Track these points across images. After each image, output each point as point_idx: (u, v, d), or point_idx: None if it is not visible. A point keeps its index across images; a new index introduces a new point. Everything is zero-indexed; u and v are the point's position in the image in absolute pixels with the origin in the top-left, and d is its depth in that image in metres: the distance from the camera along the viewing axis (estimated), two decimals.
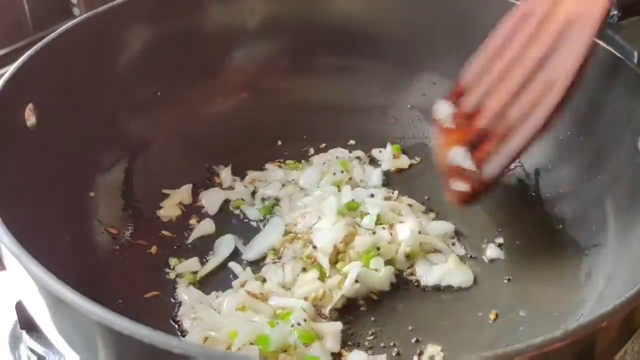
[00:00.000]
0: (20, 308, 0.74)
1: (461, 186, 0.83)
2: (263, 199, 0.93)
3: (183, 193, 0.93)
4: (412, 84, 1.05)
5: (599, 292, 0.77)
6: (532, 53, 0.79)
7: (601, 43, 0.86)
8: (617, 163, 0.84)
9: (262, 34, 1.03)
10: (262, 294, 0.79)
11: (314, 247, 0.83)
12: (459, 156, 0.82)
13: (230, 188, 0.95)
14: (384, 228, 0.86)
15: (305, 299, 0.79)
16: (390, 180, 0.98)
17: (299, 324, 0.74)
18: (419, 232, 0.86)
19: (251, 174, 0.97)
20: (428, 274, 0.84)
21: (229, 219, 0.91)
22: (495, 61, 0.82)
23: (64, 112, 0.84)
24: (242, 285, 0.81)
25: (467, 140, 0.83)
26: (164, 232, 0.89)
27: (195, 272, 0.84)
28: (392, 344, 0.77)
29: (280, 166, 0.98)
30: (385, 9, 1.03)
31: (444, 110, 0.87)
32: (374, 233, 0.85)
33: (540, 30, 0.79)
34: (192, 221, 0.90)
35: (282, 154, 1.00)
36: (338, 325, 0.77)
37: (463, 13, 0.98)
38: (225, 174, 0.96)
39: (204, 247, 0.87)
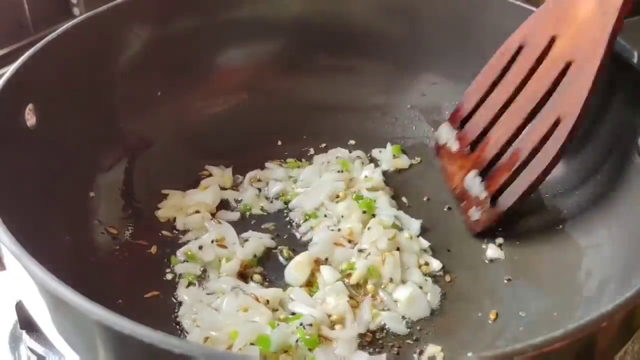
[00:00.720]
0: (20, 308, 0.74)
1: (475, 214, 0.87)
2: (267, 198, 0.94)
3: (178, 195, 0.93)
4: (412, 84, 1.05)
5: (599, 292, 0.77)
6: (534, 88, 0.82)
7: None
8: (617, 163, 0.84)
9: (263, 34, 1.03)
10: (268, 300, 0.78)
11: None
12: (474, 184, 0.86)
13: (233, 188, 0.95)
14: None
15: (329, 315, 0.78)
16: (390, 180, 0.98)
17: (303, 326, 0.74)
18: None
19: (251, 173, 0.96)
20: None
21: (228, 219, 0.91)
22: (497, 89, 0.85)
23: (64, 112, 0.84)
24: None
25: (478, 168, 0.87)
26: (164, 232, 0.89)
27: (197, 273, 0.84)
28: (391, 344, 0.77)
29: (281, 165, 0.98)
30: (385, 9, 1.04)
31: (446, 134, 0.92)
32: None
33: (541, 65, 0.82)
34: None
35: (282, 154, 1.00)
36: (353, 332, 0.76)
37: (463, 13, 0.99)
38: (227, 174, 0.96)
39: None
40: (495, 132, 0.86)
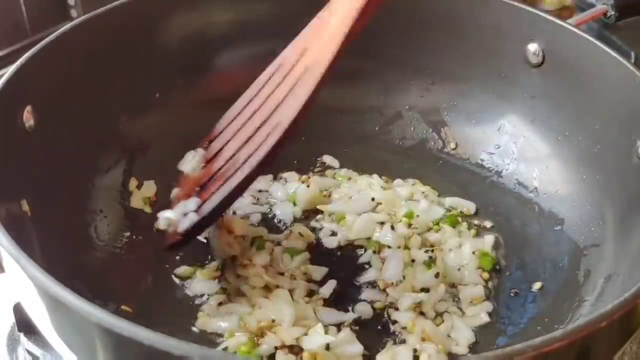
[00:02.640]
0: (18, 310, 0.74)
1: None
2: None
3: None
4: (410, 85, 1.05)
5: (598, 292, 0.77)
6: (272, 100, 0.79)
7: (599, 43, 0.87)
8: (616, 163, 0.84)
9: (262, 35, 1.03)
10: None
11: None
12: (189, 206, 0.79)
13: None
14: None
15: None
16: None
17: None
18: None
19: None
20: None
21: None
22: (246, 108, 0.82)
23: (63, 114, 0.84)
24: None
25: (199, 184, 0.81)
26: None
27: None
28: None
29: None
30: (382, 10, 1.03)
31: (189, 161, 0.83)
32: None
33: (285, 79, 0.80)
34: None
35: (281, 154, 1.00)
36: (359, 348, 0.75)
37: (461, 13, 0.99)
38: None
39: (204, 247, 0.87)
40: (226, 148, 0.81)
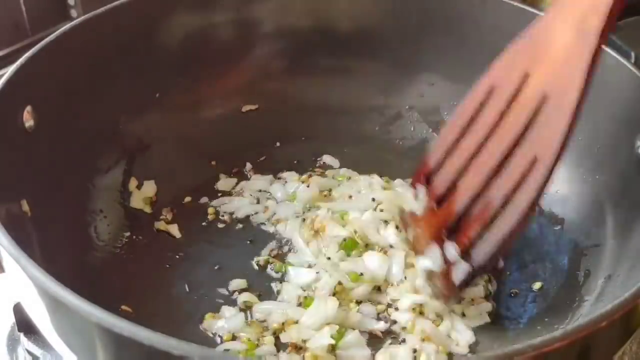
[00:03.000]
0: (18, 310, 0.74)
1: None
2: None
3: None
4: (410, 85, 1.05)
5: (598, 292, 0.77)
6: (507, 130, 0.73)
7: None
8: (616, 163, 0.84)
9: (261, 36, 1.03)
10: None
11: None
12: (451, 253, 0.74)
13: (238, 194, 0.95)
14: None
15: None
16: None
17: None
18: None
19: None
20: None
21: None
22: (465, 137, 0.76)
23: (63, 115, 0.84)
24: None
25: (446, 224, 0.76)
26: (164, 232, 0.89)
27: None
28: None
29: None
30: (383, 10, 1.04)
31: (416, 199, 0.79)
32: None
33: (513, 106, 0.73)
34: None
35: (281, 156, 1.00)
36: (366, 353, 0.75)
37: (461, 13, 0.99)
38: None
39: (202, 247, 0.88)
40: (464, 182, 0.75)
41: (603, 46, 0.68)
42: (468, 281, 0.74)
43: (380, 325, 0.78)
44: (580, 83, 0.69)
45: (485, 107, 0.75)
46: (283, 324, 0.77)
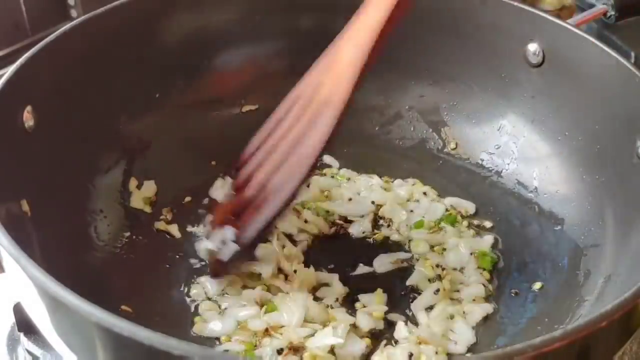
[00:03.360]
0: (18, 310, 0.74)
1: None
2: None
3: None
4: (409, 85, 1.05)
5: (598, 292, 0.77)
6: (295, 131, 0.83)
7: (599, 43, 0.87)
8: (616, 163, 0.84)
9: (261, 36, 1.03)
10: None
11: None
12: (225, 235, 0.82)
13: None
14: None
15: None
16: None
17: None
18: None
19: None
20: None
21: None
22: (269, 137, 0.86)
23: (63, 115, 0.84)
24: None
25: (232, 212, 0.84)
26: (164, 232, 0.89)
27: None
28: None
29: None
30: None
31: (219, 188, 0.91)
32: None
33: (304, 110, 0.83)
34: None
35: None
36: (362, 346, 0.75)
37: (461, 13, 0.99)
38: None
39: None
40: (257, 174, 0.85)
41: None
42: (237, 259, 0.82)
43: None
44: (347, 87, 0.80)
45: (288, 113, 0.86)
46: (267, 329, 0.76)
